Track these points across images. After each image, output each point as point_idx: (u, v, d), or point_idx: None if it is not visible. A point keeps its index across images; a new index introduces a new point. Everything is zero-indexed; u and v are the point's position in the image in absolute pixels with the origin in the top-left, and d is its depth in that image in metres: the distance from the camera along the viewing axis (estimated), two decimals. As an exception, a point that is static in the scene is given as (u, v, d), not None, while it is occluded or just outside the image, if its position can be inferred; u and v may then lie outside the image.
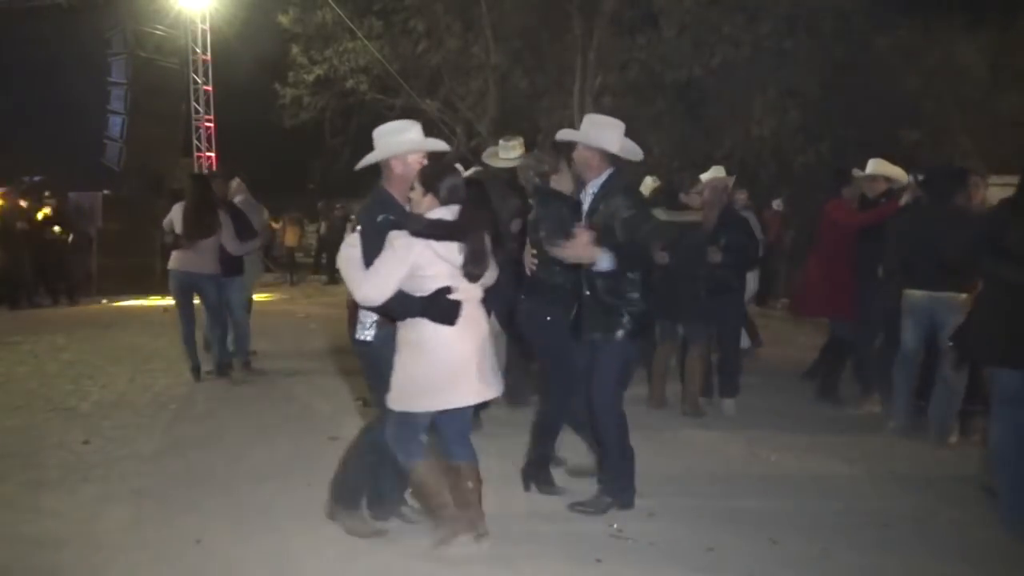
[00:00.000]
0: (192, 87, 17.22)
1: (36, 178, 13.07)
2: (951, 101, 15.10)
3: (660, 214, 5.10)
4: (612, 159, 3.77)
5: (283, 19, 15.38)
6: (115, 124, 15.71)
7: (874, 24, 14.08)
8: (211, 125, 17.61)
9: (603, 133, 3.76)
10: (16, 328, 9.15)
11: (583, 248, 3.61)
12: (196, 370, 6.40)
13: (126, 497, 3.91)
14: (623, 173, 3.79)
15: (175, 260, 6.26)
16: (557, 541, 3.54)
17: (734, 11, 13.46)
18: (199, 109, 17.40)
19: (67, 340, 8.43)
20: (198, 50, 17.09)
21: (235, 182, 7.14)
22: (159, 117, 15.62)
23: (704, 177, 5.75)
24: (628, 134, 3.87)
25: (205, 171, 6.62)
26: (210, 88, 17.47)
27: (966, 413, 4.99)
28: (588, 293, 3.76)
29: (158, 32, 16.01)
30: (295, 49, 15.62)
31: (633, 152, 3.83)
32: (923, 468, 4.63)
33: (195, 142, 17.48)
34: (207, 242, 6.18)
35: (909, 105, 14.73)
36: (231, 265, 6.45)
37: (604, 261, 3.61)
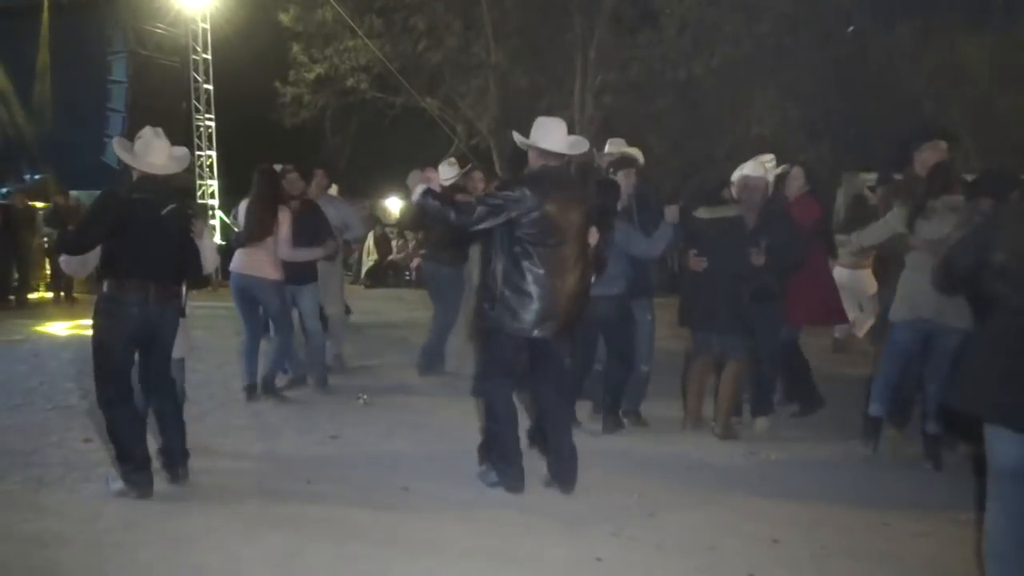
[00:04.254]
0: (192, 86, 17.21)
1: (37, 176, 13.09)
2: (951, 101, 15.09)
3: (702, 212, 5.08)
4: (548, 156, 4.02)
5: (284, 17, 15.36)
6: (116, 122, 15.73)
7: (875, 23, 14.08)
8: (211, 124, 17.61)
9: (538, 132, 4.07)
10: (16, 326, 9.15)
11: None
12: (250, 388, 5.79)
13: (126, 496, 3.90)
14: (549, 170, 4.02)
15: (235, 261, 5.75)
16: (557, 539, 3.54)
17: (734, 9, 13.45)
18: (199, 108, 17.38)
19: (68, 338, 8.44)
20: (198, 48, 17.08)
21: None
22: (159, 116, 15.48)
23: (740, 173, 5.22)
24: (629, 133, 3.98)
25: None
26: (211, 87, 17.47)
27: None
28: None
29: (158, 31, 16.00)
30: (295, 47, 15.60)
31: (556, 145, 4.02)
32: (925, 470, 4.64)
33: (195, 141, 17.47)
34: (268, 243, 5.60)
35: (909, 104, 14.72)
36: (300, 270, 5.84)
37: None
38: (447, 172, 6.67)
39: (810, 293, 5.40)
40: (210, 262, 4.38)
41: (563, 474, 4.05)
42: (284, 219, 5.63)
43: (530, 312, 3.93)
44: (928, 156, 4.81)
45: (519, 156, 5.66)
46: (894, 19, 14.37)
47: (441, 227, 4.40)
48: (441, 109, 16.16)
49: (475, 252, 6.50)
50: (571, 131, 6.09)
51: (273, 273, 5.65)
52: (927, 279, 4.48)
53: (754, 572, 3.26)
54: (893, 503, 4.08)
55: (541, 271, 3.91)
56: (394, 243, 16.41)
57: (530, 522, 3.72)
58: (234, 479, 4.21)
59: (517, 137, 4.13)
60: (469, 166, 7.01)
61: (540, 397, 4.21)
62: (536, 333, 3.96)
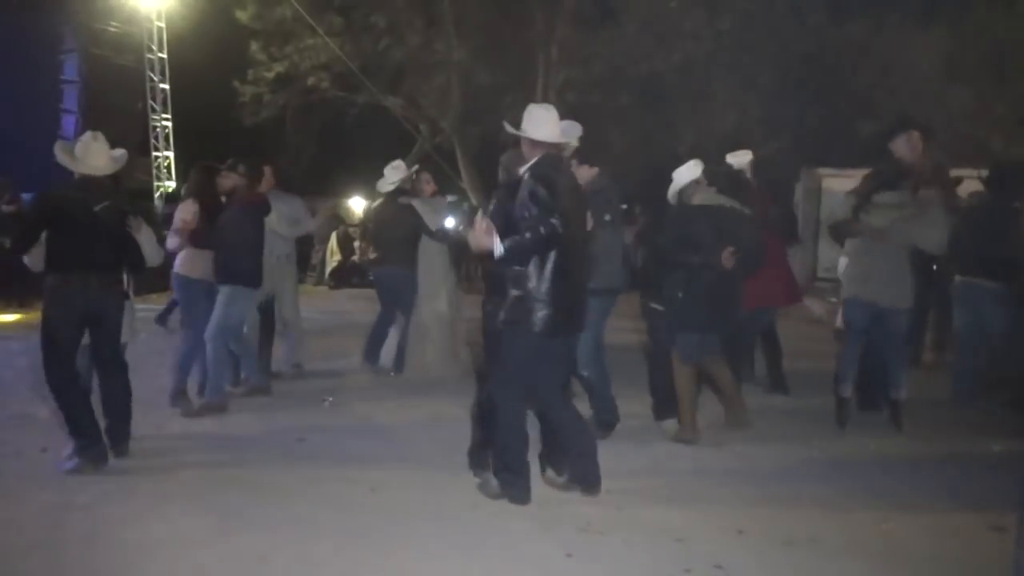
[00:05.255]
0: (148, 85, 16.89)
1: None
2: (905, 95, 15.43)
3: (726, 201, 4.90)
4: (542, 145, 3.84)
5: (241, 15, 15.13)
6: (69, 123, 15.35)
7: (830, 19, 14.34)
8: (168, 124, 17.30)
9: (529, 122, 3.87)
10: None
11: (479, 237, 3.75)
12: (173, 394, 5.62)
13: (86, 506, 3.83)
14: (552, 159, 3.84)
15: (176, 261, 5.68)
16: (527, 535, 3.55)
17: (695, 6, 13.59)
18: (156, 108, 17.07)
19: (22, 346, 8.21)
20: (154, 47, 16.77)
21: (265, 176, 5.98)
22: (114, 116, 15.29)
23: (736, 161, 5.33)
24: (592, 129, 3.92)
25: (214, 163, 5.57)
26: (167, 86, 17.16)
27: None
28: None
29: (112, 29, 15.66)
30: (254, 46, 15.39)
31: (549, 135, 3.85)
32: (886, 456, 4.74)
33: (152, 141, 17.15)
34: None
35: (865, 99, 15.03)
36: (228, 270, 5.44)
37: (498, 249, 3.70)
38: (392, 176, 6.66)
39: (769, 278, 5.51)
40: (150, 255, 4.59)
41: (590, 476, 3.91)
42: (186, 210, 5.55)
43: (560, 311, 3.72)
44: (901, 147, 4.98)
45: (485, 153, 5.68)
46: (849, 16, 14.65)
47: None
48: (404, 107, 16.08)
49: (428, 254, 6.50)
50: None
51: (196, 272, 5.52)
52: (869, 263, 4.84)
53: (721, 563, 3.30)
54: (857, 493, 4.15)
55: (566, 267, 3.72)
56: (357, 243, 16.25)
57: (500, 520, 3.73)
58: (198, 485, 4.14)
59: (508, 127, 3.94)
60: (415, 168, 6.93)
61: (548, 402, 3.99)
62: (565, 332, 3.81)
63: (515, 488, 3.85)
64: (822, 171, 12.66)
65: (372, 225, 7.09)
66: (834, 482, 4.30)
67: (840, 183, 11.26)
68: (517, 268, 3.72)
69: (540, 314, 3.70)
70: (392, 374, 6.66)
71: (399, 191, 6.62)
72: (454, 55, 14.84)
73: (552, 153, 3.86)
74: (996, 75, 14.78)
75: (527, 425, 3.94)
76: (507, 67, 15.17)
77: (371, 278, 7.67)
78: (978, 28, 14.64)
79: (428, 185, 6.67)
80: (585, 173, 4.67)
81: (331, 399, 5.91)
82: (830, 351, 7.78)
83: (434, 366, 6.52)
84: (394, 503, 3.91)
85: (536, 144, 3.84)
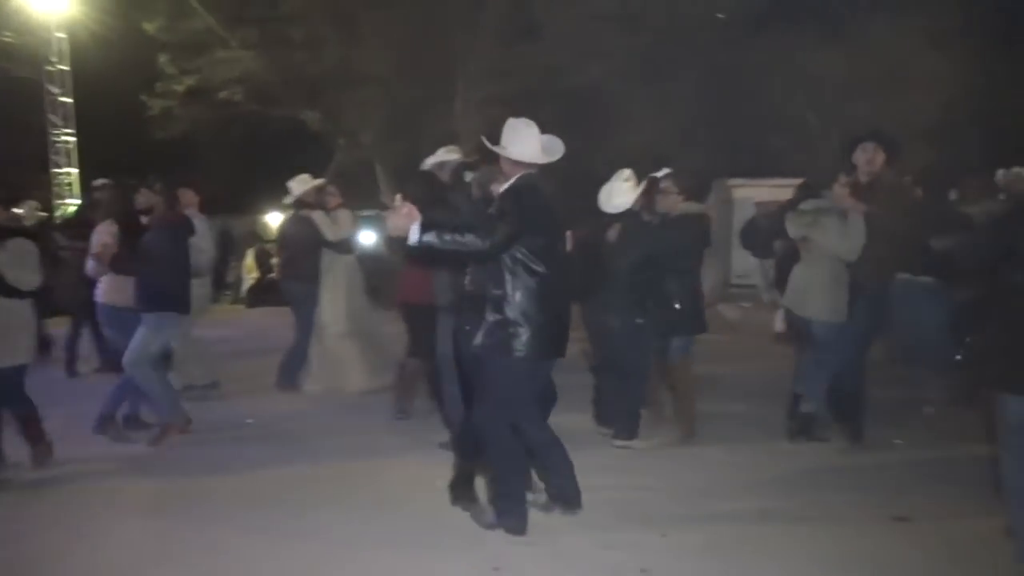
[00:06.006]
0: (48, 99, 16.11)
1: None
2: (810, 109, 16.17)
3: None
4: (523, 165, 3.69)
5: (148, 27, 14.61)
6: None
7: (742, 35, 14.91)
8: (72, 139, 16.53)
9: (510, 139, 3.71)
10: None
11: (398, 219, 3.49)
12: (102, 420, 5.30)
13: None
14: (532, 179, 3.69)
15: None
16: (455, 551, 3.52)
17: (612, 22, 13.90)
18: (57, 123, 16.30)
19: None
20: (53, 59, 16.01)
21: (184, 196, 5.86)
22: (10, 131, 14.55)
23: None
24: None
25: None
26: (70, 100, 16.40)
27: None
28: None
29: (5, 39, 14.89)
30: (163, 58, 14.87)
31: (532, 155, 3.69)
32: (798, 468, 4.90)
33: (52, 157, 16.35)
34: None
35: (774, 113, 15.66)
36: (154, 296, 5.11)
37: (413, 234, 3.46)
38: (297, 188, 6.55)
39: None
40: (17, 279, 4.43)
41: (570, 494, 3.83)
42: (105, 232, 5.28)
43: (542, 334, 3.58)
44: (859, 157, 5.13)
45: (407, 168, 5.60)
46: (757, 32, 15.26)
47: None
48: (322, 122, 15.83)
49: (332, 268, 6.38)
50: (453, 143, 6.07)
51: (123, 299, 5.20)
52: (797, 273, 5.02)
53: (648, 567, 3.34)
54: (775, 492, 4.28)
55: (547, 290, 3.59)
56: (275, 260, 15.86)
57: (428, 535, 3.69)
58: (116, 513, 3.95)
59: (488, 144, 3.75)
60: (322, 181, 6.81)
61: (529, 422, 3.81)
62: (544, 355, 3.64)
63: (513, 517, 3.68)
64: (732, 181, 13.15)
65: (277, 239, 6.97)
66: (756, 485, 4.41)
67: (749, 192, 11.72)
68: (496, 291, 3.59)
69: (523, 339, 3.55)
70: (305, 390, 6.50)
71: (301, 204, 6.52)
72: (374, 70, 14.71)
73: (532, 172, 3.70)
74: (896, 89, 15.64)
75: (518, 447, 3.75)
76: (427, 81, 15.14)
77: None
78: (877, 44, 15.47)
79: (333, 198, 6.55)
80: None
81: (251, 421, 5.74)
82: (744, 355, 8.07)
83: (337, 380, 6.40)
84: (319, 527, 3.82)
85: (516, 163, 3.69)
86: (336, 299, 6.44)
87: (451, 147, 5.69)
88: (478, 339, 3.65)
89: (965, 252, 3.44)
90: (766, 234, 8.07)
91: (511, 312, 3.56)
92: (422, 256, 3.62)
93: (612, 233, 5.00)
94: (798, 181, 7.10)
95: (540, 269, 3.58)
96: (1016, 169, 5.32)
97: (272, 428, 5.61)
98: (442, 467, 4.61)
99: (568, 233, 4.00)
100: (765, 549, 3.56)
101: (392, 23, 14.51)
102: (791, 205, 5.14)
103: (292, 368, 6.66)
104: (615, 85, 14.34)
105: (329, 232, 6.37)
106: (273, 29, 14.69)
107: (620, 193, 4.99)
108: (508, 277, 3.58)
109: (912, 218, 4.97)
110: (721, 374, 6.91)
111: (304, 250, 6.45)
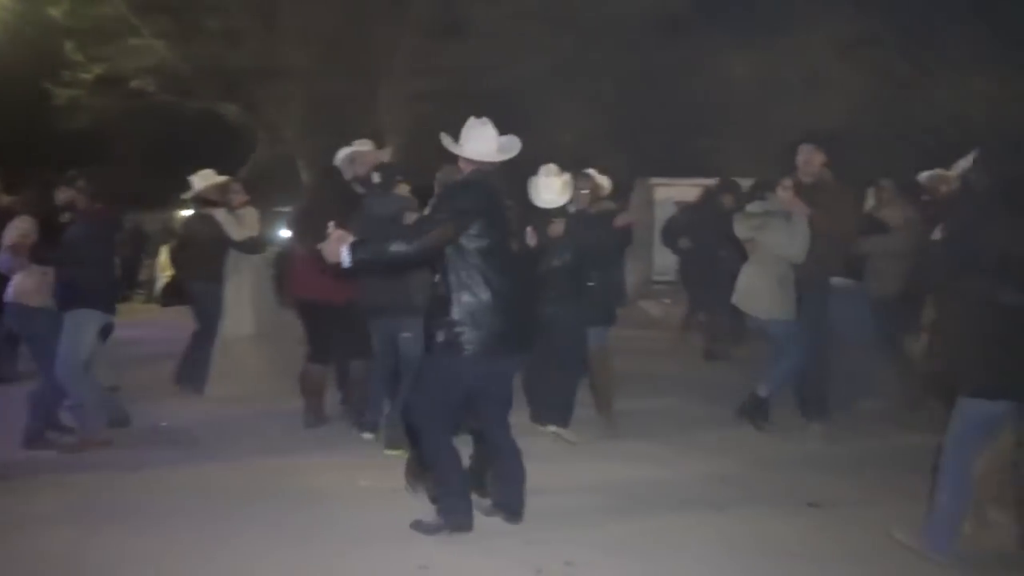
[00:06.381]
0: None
1: None
2: (728, 112, 16.67)
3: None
4: (477, 162, 3.70)
5: (54, 12, 13.87)
6: None
7: (665, 37, 15.25)
8: (-34, 130, 15.55)
9: (465, 137, 3.74)
10: None
11: (331, 247, 3.49)
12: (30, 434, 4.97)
13: None
14: (481, 175, 3.69)
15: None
16: (384, 550, 3.50)
17: (539, 21, 14.00)
18: (-50, 111, 15.30)
19: None
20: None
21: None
22: None
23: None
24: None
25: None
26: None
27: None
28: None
29: None
30: (69, 45, 14.14)
31: (483, 153, 3.70)
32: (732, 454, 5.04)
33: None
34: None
35: (697, 114, 16.09)
36: (78, 294, 4.85)
37: (345, 256, 3.47)
38: (198, 183, 6.34)
39: None
40: None
41: (515, 504, 3.78)
42: (20, 226, 5.02)
43: (491, 332, 3.53)
44: (800, 159, 5.30)
45: (330, 163, 5.49)
46: (678, 34, 15.62)
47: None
48: (241, 115, 15.38)
49: (236, 268, 6.21)
50: (379, 139, 6.02)
51: (37, 299, 4.95)
52: (745, 274, 5.28)
53: (572, 560, 3.38)
54: (695, 484, 4.40)
55: (495, 285, 3.54)
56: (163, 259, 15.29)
57: (356, 533, 3.65)
58: (23, 520, 3.76)
59: (446, 141, 3.75)
60: (226, 177, 6.56)
61: (488, 422, 3.81)
62: (494, 354, 3.58)
63: (458, 514, 3.63)
64: (654, 181, 13.46)
65: (177, 238, 6.71)
66: (674, 478, 4.51)
67: (670, 192, 12.04)
68: (441, 291, 3.57)
69: (467, 337, 3.51)
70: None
71: (202, 200, 6.30)
72: (294, 62, 14.38)
73: (485, 169, 3.70)
74: (811, 93, 16.25)
75: (453, 444, 3.70)
76: (351, 76, 14.89)
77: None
78: (792, 49, 16.04)
79: (238, 195, 6.31)
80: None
81: (165, 424, 5.55)
82: (665, 350, 8.27)
83: (243, 384, 6.18)
84: (243, 529, 3.73)
85: (470, 161, 3.71)
86: (242, 301, 6.20)
87: (364, 140, 5.62)
88: (425, 339, 3.65)
89: (930, 263, 3.48)
90: (672, 232, 8.42)
91: (456, 312, 3.53)
92: (362, 271, 3.58)
93: (555, 228, 5.04)
94: (717, 181, 7.35)
95: (486, 267, 3.54)
96: (939, 171, 5.57)
97: (185, 431, 5.43)
98: (364, 467, 4.57)
99: (529, 230, 3.97)
100: (684, 539, 3.66)
101: (313, 15, 14.22)
102: (701, 204, 5.38)
103: (192, 371, 6.40)
104: (541, 84, 14.44)
105: (234, 231, 6.13)
106: (188, 18, 14.17)
107: (548, 189, 5.04)
108: (452, 277, 3.55)
109: (850, 219, 5.21)
110: (643, 369, 7.07)
111: (207, 249, 6.19)
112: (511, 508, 3.78)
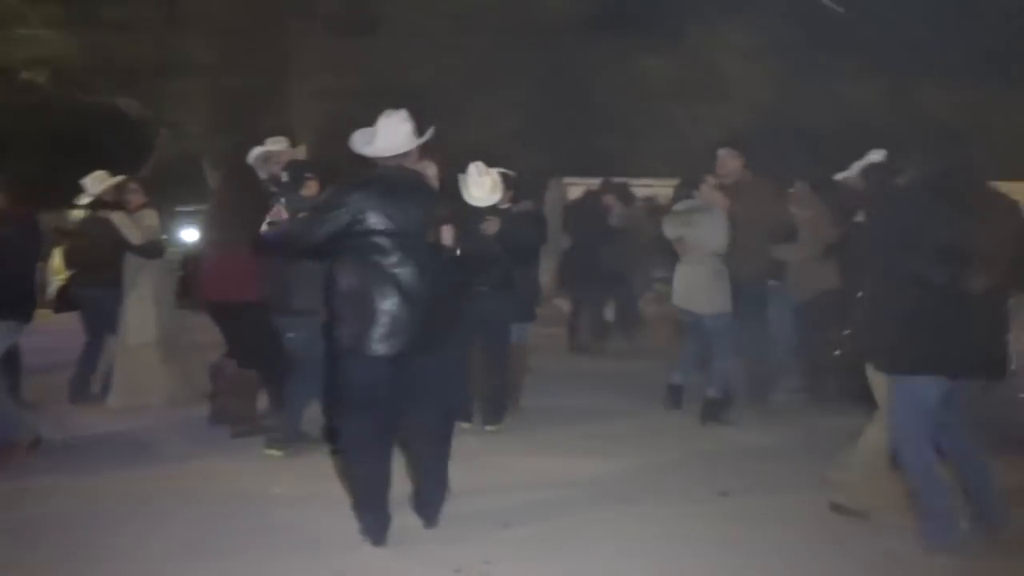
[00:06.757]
0: None
1: None
2: (638, 112, 17.08)
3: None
4: (379, 160, 3.66)
5: (-67, -2, 12.94)
6: None
7: (576, 39, 15.46)
8: None
9: (365, 136, 3.70)
10: None
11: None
12: None
13: None
14: (381, 170, 3.65)
15: None
16: (302, 557, 3.44)
17: (452, 19, 13.95)
18: None
19: None
20: None
21: None
22: None
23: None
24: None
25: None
26: None
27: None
28: None
29: None
30: (-55, 34, 13.20)
31: (377, 149, 3.65)
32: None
33: None
34: None
35: (608, 115, 16.41)
36: None
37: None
38: (93, 186, 6.06)
39: None
40: None
41: (433, 512, 3.73)
42: None
43: (377, 327, 3.44)
44: (719, 163, 5.50)
45: (246, 164, 5.33)
46: (591, 36, 15.88)
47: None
48: (141, 110, 14.72)
49: (134, 272, 5.95)
50: (288, 136, 5.88)
51: None
52: (679, 271, 5.48)
53: (490, 559, 3.39)
54: (610, 478, 4.48)
55: (385, 281, 3.47)
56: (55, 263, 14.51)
57: (270, 540, 3.58)
58: None
59: (352, 141, 3.71)
60: (122, 178, 6.25)
61: (411, 424, 3.70)
62: (385, 350, 3.46)
63: (373, 531, 3.53)
64: (567, 180, 13.69)
65: (71, 240, 6.37)
66: (595, 477, 4.54)
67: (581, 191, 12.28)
68: (341, 288, 3.51)
69: (351, 334, 3.47)
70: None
71: (99, 203, 6.02)
72: (198, 56, 13.85)
73: (389, 166, 3.62)
74: (717, 96, 16.80)
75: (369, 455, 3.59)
76: (259, 72, 14.47)
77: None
78: (703, 52, 16.55)
79: (136, 197, 6.03)
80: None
81: (70, 438, 5.26)
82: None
83: (146, 393, 5.93)
84: (151, 538, 3.59)
85: (374, 159, 3.65)
86: (142, 307, 5.91)
87: (277, 137, 5.50)
88: (327, 340, 3.67)
89: (867, 247, 3.59)
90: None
91: (344, 307, 3.50)
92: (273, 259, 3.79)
93: (490, 226, 5.07)
94: (627, 181, 7.57)
95: (379, 262, 3.46)
96: (850, 171, 5.93)
97: (85, 442, 5.18)
98: (276, 473, 4.47)
99: (445, 227, 3.82)
100: (600, 533, 3.72)
101: (217, 6, 13.75)
102: (580, 204, 5.62)
103: (82, 381, 6.12)
104: (452, 83, 14.41)
105: (131, 235, 5.86)
106: (82, 7, 13.45)
107: (479, 187, 5.09)
108: (342, 272, 3.52)
109: (774, 211, 5.42)
110: (556, 366, 7.17)
111: (103, 254, 5.90)
112: (428, 513, 3.74)
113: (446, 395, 3.91)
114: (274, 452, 4.71)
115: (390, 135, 3.65)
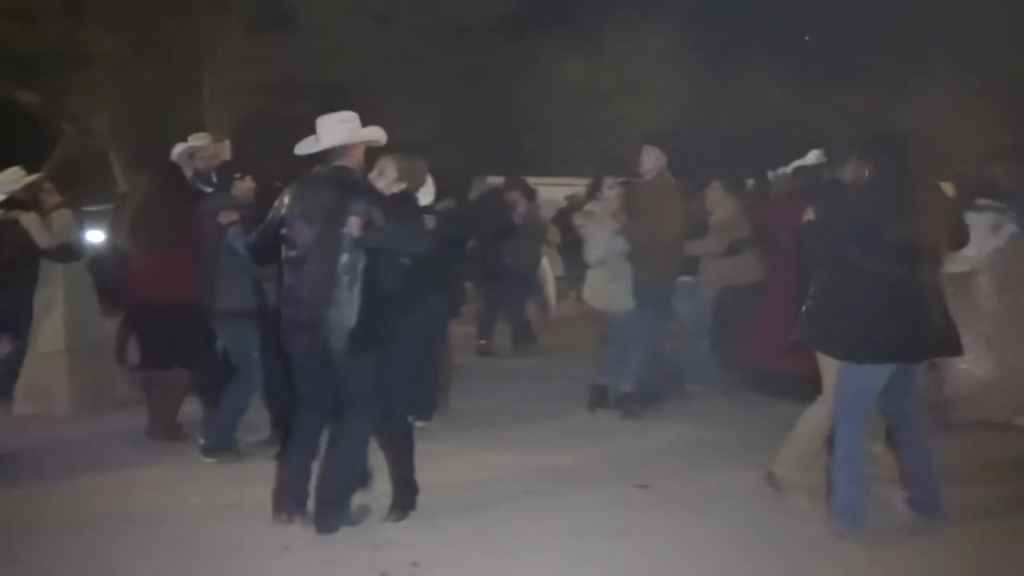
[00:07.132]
0: None
1: None
2: (558, 112, 17.34)
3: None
4: (320, 156, 3.75)
5: None
6: None
7: (495, 39, 15.55)
8: None
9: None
10: None
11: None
12: None
13: None
14: (314, 171, 3.75)
15: None
16: (214, 565, 3.36)
17: (369, 17, 13.79)
18: None
19: None
20: None
21: None
22: None
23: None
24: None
25: None
26: None
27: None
28: None
29: None
30: None
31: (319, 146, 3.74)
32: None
33: None
34: None
35: (528, 115, 16.57)
36: None
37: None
38: (7, 185, 5.72)
39: None
40: None
41: (406, 504, 3.86)
42: None
43: (288, 324, 3.66)
44: (641, 159, 5.60)
45: (148, 158, 5.15)
46: (509, 38, 16.01)
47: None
48: (41, 104, 13.96)
49: (46, 275, 5.67)
50: (213, 134, 5.77)
51: None
52: (592, 271, 5.55)
53: (418, 561, 3.39)
54: (536, 475, 4.51)
55: (290, 279, 3.66)
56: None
57: (183, 554, 3.47)
58: None
59: (300, 147, 3.83)
60: (36, 177, 5.94)
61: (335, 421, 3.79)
62: (292, 347, 3.69)
63: (279, 511, 3.73)
64: (491, 180, 13.72)
65: None
66: (521, 472, 4.58)
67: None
68: (285, 290, 3.72)
69: (296, 335, 3.66)
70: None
71: (11, 202, 5.70)
72: (103, 48, 13.21)
73: (320, 167, 3.73)
74: (632, 98, 17.17)
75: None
76: (171, 66, 13.93)
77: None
78: (616, 56, 16.91)
79: (50, 196, 5.77)
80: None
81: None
82: (505, 345, 8.43)
83: (55, 401, 5.64)
84: (110, 535, 3.43)
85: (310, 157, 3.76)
86: (54, 313, 5.62)
87: (200, 133, 5.35)
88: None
89: (817, 240, 3.71)
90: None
91: (282, 308, 3.68)
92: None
93: (427, 223, 5.04)
94: (550, 180, 7.69)
95: (288, 256, 3.63)
96: (782, 170, 6.17)
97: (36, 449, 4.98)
98: (197, 483, 4.35)
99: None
100: (526, 529, 3.76)
101: (122, -3, 13.17)
102: (483, 202, 5.70)
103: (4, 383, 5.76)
104: (372, 81, 14.25)
105: (40, 238, 5.57)
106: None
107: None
108: (286, 277, 3.68)
109: (676, 219, 5.55)
110: (484, 364, 7.19)
111: (13, 257, 5.59)
112: (402, 507, 3.84)
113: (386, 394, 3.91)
114: (210, 460, 4.59)
115: (328, 132, 3.72)
